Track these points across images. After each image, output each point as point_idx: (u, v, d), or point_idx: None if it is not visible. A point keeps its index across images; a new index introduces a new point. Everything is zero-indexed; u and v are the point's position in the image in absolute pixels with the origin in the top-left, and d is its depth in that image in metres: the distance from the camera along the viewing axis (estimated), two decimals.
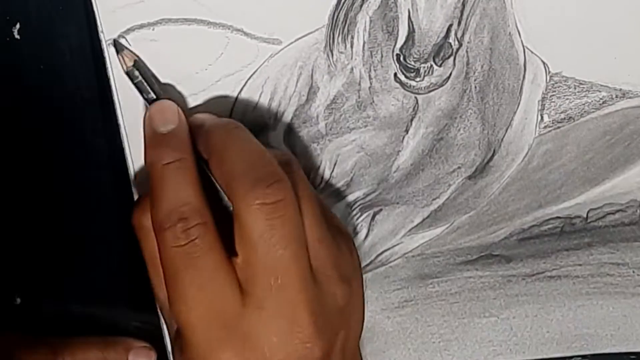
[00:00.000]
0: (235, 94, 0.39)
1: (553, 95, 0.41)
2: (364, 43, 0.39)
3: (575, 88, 0.41)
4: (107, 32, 0.36)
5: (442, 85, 0.40)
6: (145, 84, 0.35)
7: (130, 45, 0.36)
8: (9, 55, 0.38)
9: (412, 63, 0.39)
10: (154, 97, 0.35)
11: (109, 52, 0.37)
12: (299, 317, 0.32)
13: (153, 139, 0.33)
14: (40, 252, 0.43)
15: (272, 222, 0.31)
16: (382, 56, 0.39)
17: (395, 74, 0.39)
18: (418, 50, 0.39)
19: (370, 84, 0.40)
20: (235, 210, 0.31)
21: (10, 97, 0.39)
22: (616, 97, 0.41)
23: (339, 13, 0.38)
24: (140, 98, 0.36)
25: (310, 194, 0.34)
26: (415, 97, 0.40)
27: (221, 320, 0.32)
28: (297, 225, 0.32)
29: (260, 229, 0.31)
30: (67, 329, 0.45)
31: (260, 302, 0.32)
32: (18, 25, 0.38)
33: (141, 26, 0.37)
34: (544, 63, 0.40)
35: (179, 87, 0.38)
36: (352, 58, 0.39)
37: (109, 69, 0.37)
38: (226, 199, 0.34)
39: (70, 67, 0.38)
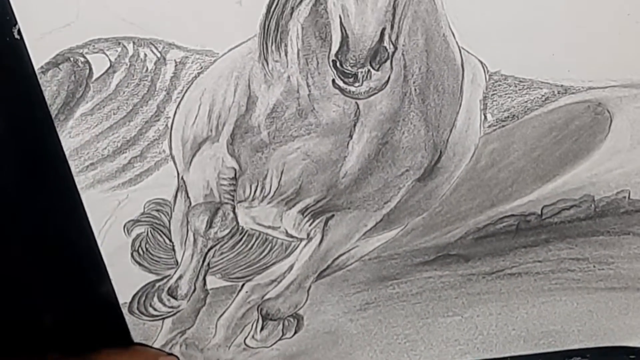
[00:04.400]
0: (173, 108, 0.39)
1: (494, 94, 0.41)
2: (298, 51, 0.38)
3: (515, 86, 0.40)
4: (36, 58, 0.37)
5: (381, 89, 0.40)
6: None
7: None
8: None
9: (349, 68, 0.39)
10: None
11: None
12: None
13: None
14: None
15: None
16: (318, 63, 0.39)
17: (333, 80, 0.39)
18: (354, 55, 0.39)
19: (309, 91, 0.40)
20: None
21: None
22: (558, 93, 0.41)
23: (269, 22, 0.37)
24: None
25: None
26: (356, 103, 0.40)
27: None
28: None
29: None
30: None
31: None
32: None
33: (70, 50, 0.37)
34: (481, 63, 0.40)
35: None
36: (287, 66, 0.39)
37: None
38: None
39: None
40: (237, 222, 0.44)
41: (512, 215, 0.46)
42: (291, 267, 0.46)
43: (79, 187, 0.41)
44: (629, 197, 0.46)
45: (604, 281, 0.49)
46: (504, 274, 0.48)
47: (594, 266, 0.48)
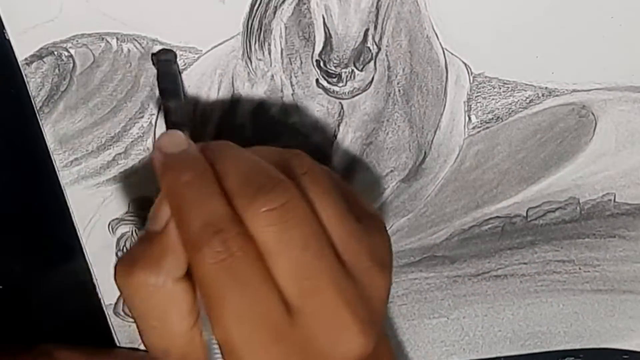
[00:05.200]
0: (157, 104, 0.39)
1: (478, 95, 0.41)
2: (282, 50, 0.39)
3: (500, 88, 0.41)
4: (20, 52, 0.37)
5: (365, 90, 0.40)
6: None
7: None
8: None
9: (333, 68, 0.39)
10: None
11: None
12: (341, 318, 0.31)
13: (167, 162, 0.32)
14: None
15: (285, 225, 0.29)
16: (301, 62, 0.39)
17: (317, 80, 0.39)
18: (337, 56, 0.39)
19: (293, 90, 0.40)
20: (246, 225, 0.30)
21: None
22: (542, 95, 0.41)
23: (252, 20, 0.38)
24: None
25: (324, 186, 0.32)
26: (340, 103, 0.40)
27: (274, 333, 0.30)
28: (311, 223, 0.30)
29: (275, 237, 0.29)
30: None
31: (301, 308, 0.30)
32: None
33: (54, 44, 0.37)
34: (465, 64, 0.40)
35: None
36: (271, 65, 0.39)
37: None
38: None
39: None
40: None
41: (498, 217, 0.46)
42: None
43: (63, 182, 0.41)
44: (614, 200, 0.46)
45: (590, 283, 0.49)
46: (489, 275, 0.48)
47: (580, 268, 0.48)
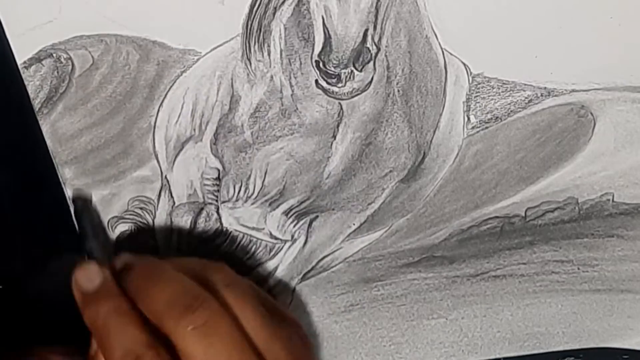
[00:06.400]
0: (156, 106, 0.39)
1: (477, 95, 0.41)
2: (281, 51, 0.39)
3: (499, 88, 0.41)
4: (19, 54, 0.37)
5: (364, 90, 0.40)
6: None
7: None
8: None
9: (332, 69, 0.39)
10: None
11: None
12: None
13: (85, 300, 0.36)
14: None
15: (210, 340, 0.32)
16: (301, 63, 0.39)
17: (316, 81, 0.39)
18: (337, 56, 0.39)
19: (292, 91, 0.40)
20: (174, 342, 0.33)
21: None
22: (541, 95, 0.41)
23: (252, 22, 0.38)
24: None
25: (246, 297, 0.36)
26: (339, 103, 0.40)
27: None
28: (235, 335, 0.33)
29: (202, 351, 0.32)
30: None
31: None
32: None
33: (53, 46, 0.37)
34: (464, 64, 0.40)
35: None
36: (270, 66, 0.39)
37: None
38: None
39: None
40: (221, 223, 0.44)
41: (496, 217, 0.46)
42: (275, 269, 0.46)
43: (62, 180, 0.41)
44: (612, 200, 0.46)
45: (588, 283, 0.49)
46: (488, 276, 0.48)
47: (578, 268, 0.48)
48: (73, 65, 0.38)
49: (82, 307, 0.36)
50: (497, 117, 0.42)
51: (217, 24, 0.37)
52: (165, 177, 0.42)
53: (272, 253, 0.47)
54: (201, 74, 0.39)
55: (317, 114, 0.41)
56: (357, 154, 0.42)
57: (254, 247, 0.46)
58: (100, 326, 0.34)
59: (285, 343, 0.35)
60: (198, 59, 0.38)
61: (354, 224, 0.45)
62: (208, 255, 0.45)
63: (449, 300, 0.49)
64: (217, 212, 0.44)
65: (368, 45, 0.39)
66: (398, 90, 0.40)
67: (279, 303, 0.41)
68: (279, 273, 0.47)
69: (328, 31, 0.38)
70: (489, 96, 0.41)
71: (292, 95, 0.40)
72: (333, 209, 0.45)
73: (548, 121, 0.42)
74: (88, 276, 0.36)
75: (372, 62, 0.39)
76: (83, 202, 0.41)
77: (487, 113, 0.41)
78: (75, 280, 0.36)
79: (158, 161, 0.41)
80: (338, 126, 0.41)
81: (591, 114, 0.42)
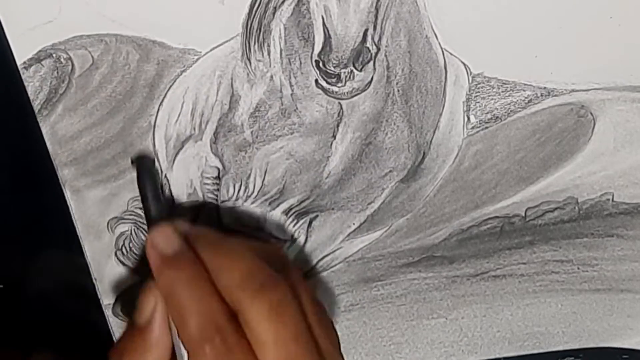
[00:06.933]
0: (156, 105, 0.39)
1: (477, 95, 0.41)
2: (281, 50, 0.39)
3: (498, 88, 0.41)
4: (19, 54, 0.37)
5: (364, 90, 0.40)
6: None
7: None
8: None
9: (332, 69, 0.39)
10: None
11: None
12: None
13: (162, 263, 0.34)
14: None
15: (283, 320, 0.32)
16: (300, 63, 0.39)
17: (316, 80, 0.39)
18: (337, 56, 0.39)
19: (292, 91, 0.40)
20: (243, 317, 0.32)
21: None
22: (541, 95, 0.41)
23: (252, 21, 0.38)
24: None
25: (305, 284, 0.36)
26: (339, 103, 0.40)
27: None
28: (301, 319, 0.33)
29: (274, 331, 0.32)
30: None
31: None
32: None
33: (53, 46, 0.37)
34: (464, 64, 0.40)
35: None
36: (270, 66, 0.39)
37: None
38: None
39: None
40: (221, 223, 0.44)
41: (496, 217, 0.46)
42: None
43: (62, 181, 0.41)
44: (612, 200, 0.46)
45: (588, 283, 0.49)
46: (488, 275, 0.48)
47: (578, 268, 0.48)
48: (73, 65, 0.38)
49: (158, 270, 0.34)
50: (497, 117, 0.42)
51: (217, 23, 0.37)
52: (165, 176, 0.42)
53: None
54: (201, 73, 0.39)
55: (317, 113, 0.41)
56: (357, 153, 0.42)
57: None
58: (177, 293, 0.33)
59: (333, 333, 0.36)
60: (198, 59, 0.38)
61: (353, 224, 0.45)
62: None
63: (448, 300, 0.49)
64: (217, 211, 0.44)
65: (368, 45, 0.39)
66: (398, 90, 0.40)
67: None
68: None
69: (328, 31, 0.38)
70: (489, 96, 0.41)
71: (292, 94, 0.40)
72: (333, 209, 0.45)
73: (548, 121, 0.42)
74: (167, 239, 0.34)
75: (372, 62, 0.39)
76: (145, 162, 0.39)
77: (487, 113, 0.41)
78: (153, 242, 0.34)
79: (158, 160, 0.41)
80: (338, 126, 0.41)
81: (591, 114, 0.42)
